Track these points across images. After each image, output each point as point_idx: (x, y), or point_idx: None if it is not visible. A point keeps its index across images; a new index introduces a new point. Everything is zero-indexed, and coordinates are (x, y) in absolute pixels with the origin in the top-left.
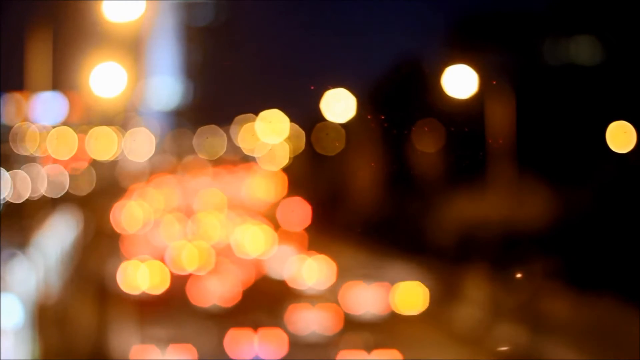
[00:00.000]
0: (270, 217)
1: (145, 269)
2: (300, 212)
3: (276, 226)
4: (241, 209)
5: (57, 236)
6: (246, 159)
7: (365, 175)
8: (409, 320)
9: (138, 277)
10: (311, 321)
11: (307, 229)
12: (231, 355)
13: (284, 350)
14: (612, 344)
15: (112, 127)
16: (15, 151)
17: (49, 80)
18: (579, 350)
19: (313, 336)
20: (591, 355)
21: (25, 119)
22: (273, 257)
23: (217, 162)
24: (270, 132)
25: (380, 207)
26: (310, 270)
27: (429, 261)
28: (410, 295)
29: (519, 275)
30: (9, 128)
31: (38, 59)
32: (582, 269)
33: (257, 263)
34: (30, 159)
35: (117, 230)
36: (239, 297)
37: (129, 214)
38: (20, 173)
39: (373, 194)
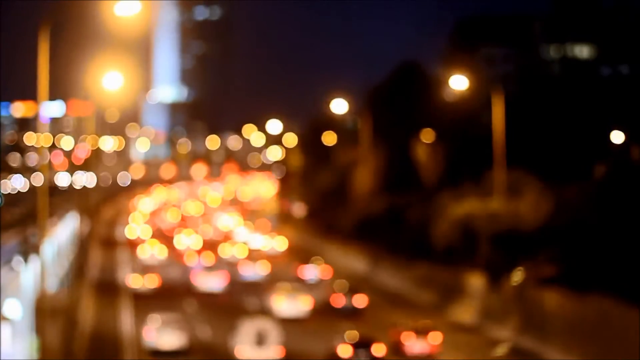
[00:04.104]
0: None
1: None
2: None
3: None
4: (236, 205)
5: (58, 236)
6: (248, 162)
7: (365, 176)
8: None
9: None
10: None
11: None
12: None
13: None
14: (612, 344)
15: (115, 130)
16: (18, 153)
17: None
18: (579, 350)
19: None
20: (591, 355)
21: (28, 122)
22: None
23: (220, 165)
24: (271, 135)
25: (380, 207)
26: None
27: (428, 260)
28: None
29: (519, 275)
30: (12, 130)
31: (40, 64)
32: (582, 269)
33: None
34: (32, 160)
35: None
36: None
37: (131, 210)
38: (23, 174)
39: (373, 194)
